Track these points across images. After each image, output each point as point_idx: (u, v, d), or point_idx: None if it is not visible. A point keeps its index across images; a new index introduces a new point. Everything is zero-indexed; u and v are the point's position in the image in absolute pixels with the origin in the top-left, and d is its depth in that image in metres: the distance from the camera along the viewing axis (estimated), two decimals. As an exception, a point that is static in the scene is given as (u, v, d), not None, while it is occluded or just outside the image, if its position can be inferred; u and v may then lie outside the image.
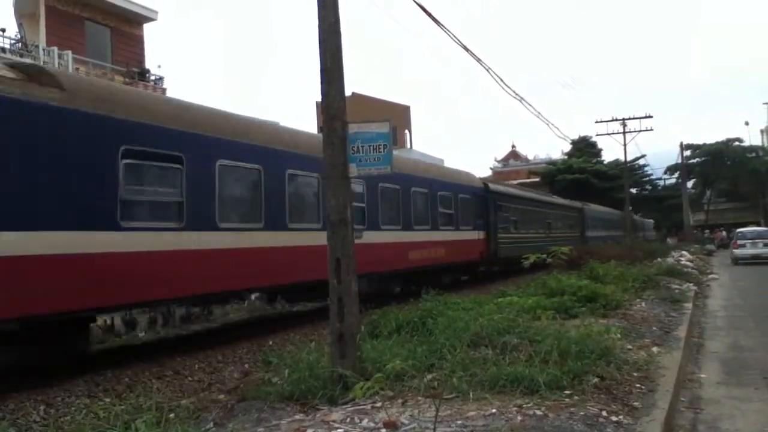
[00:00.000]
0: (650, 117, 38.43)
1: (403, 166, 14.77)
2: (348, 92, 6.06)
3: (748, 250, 27.45)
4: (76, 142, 7.44)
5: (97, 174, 7.67)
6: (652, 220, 61.31)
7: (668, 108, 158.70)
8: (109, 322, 10.96)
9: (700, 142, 57.91)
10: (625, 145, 39.24)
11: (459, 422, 3.96)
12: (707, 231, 55.21)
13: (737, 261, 27.58)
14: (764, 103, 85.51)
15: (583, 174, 48.42)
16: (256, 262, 10.05)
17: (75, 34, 22.05)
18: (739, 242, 28.51)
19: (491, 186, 22.25)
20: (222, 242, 9.39)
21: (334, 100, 5.61)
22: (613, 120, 39.00)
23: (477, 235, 19.79)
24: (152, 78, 24.40)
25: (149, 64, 24.92)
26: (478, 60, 11.21)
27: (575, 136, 52.40)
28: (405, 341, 6.43)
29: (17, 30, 22.17)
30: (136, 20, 24.42)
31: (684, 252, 28.01)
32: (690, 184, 56.38)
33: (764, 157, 56.12)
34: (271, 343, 9.98)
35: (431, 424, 3.73)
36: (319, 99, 5.79)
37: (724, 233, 53.14)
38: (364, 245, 11.22)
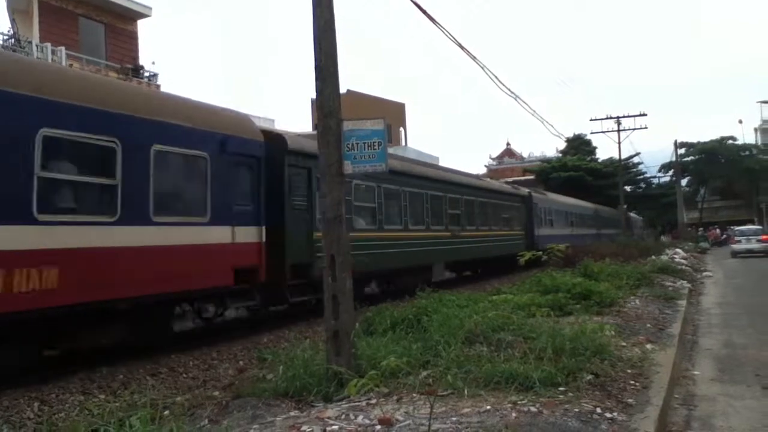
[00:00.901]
0: (644, 115, 38.73)
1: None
2: (343, 90, 6.07)
3: (744, 246, 32.19)
4: None
5: None
6: (640, 217, 60.80)
7: (663, 106, 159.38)
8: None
9: (695, 141, 58.25)
10: (619, 143, 39.42)
11: (454, 419, 3.97)
12: (701, 229, 55.45)
13: (735, 254, 31.99)
14: (758, 102, 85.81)
15: (577, 172, 48.52)
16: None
17: (69, 30, 21.95)
18: (737, 239, 33.58)
19: (291, 142, 11.58)
20: None
21: (329, 98, 5.61)
22: (607, 118, 39.21)
23: (227, 234, 9.62)
24: (146, 74, 24.32)
25: (143, 60, 24.87)
26: (473, 58, 11.19)
27: (570, 134, 52.52)
28: (400, 338, 6.44)
29: (10, 26, 22.09)
30: (130, 16, 24.32)
31: (678, 249, 28.17)
32: (684, 182, 56.60)
33: (758, 155, 56.44)
34: (266, 340, 9.99)
35: (426, 420, 3.74)
36: (314, 96, 5.79)
37: (718, 231, 53.50)
38: None
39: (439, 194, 17.82)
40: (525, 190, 27.78)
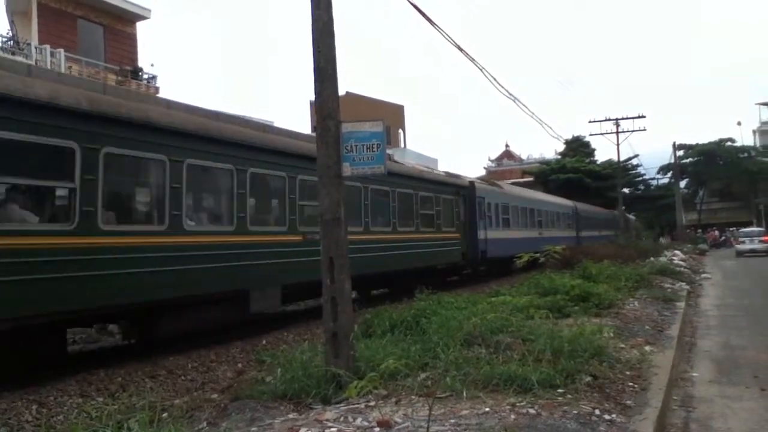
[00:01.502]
0: (643, 117, 38.69)
1: None
2: (342, 92, 6.07)
3: (747, 246, 35.18)
4: None
5: None
6: (633, 217, 59.91)
7: (662, 107, 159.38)
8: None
9: (693, 142, 58.34)
10: (618, 144, 39.42)
11: (452, 421, 3.97)
12: (700, 230, 55.49)
13: (740, 254, 34.69)
14: (757, 104, 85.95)
15: (576, 174, 48.50)
16: None
17: (67, 32, 21.96)
18: (741, 239, 36.87)
19: None
20: None
21: (327, 100, 5.61)
22: (606, 120, 39.19)
23: None
24: (145, 76, 24.34)
25: (142, 62, 24.89)
26: (472, 60, 11.22)
27: (569, 136, 52.52)
28: (399, 340, 6.45)
29: (9, 28, 22.10)
30: (129, 18, 24.35)
31: (677, 251, 28.21)
32: (683, 183, 56.65)
33: (756, 157, 56.53)
34: (264, 342, 9.98)
35: (425, 422, 3.73)
36: (313, 98, 5.79)
37: (716, 233, 53.60)
38: None
39: (276, 175, 11.09)
40: (465, 179, 21.28)
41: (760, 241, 35.41)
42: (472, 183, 21.19)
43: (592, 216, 38.53)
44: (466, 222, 19.87)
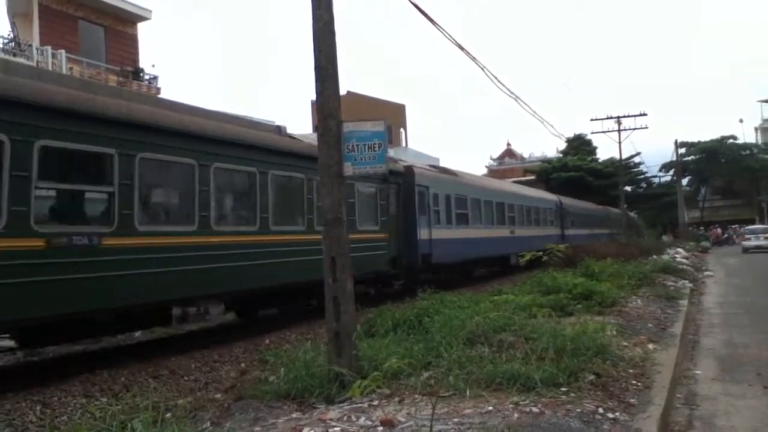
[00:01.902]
0: (645, 115, 38.60)
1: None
2: (343, 91, 6.07)
3: (753, 242, 36.97)
4: None
5: None
6: (635, 215, 59.31)
7: (663, 106, 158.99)
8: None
9: (695, 140, 58.27)
10: (620, 142, 39.34)
11: (455, 420, 3.97)
12: (702, 228, 55.42)
13: (746, 250, 36.23)
14: (758, 101, 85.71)
15: (578, 172, 48.46)
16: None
17: (69, 34, 22.01)
18: (746, 236, 38.54)
19: None
20: None
21: (329, 99, 5.61)
22: (608, 118, 39.11)
23: None
24: (146, 77, 24.38)
25: (143, 63, 24.94)
26: (473, 59, 11.20)
27: (570, 134, 52.46)
28: (401, 339, 6.44)
29: (10, 29, 22.15)
30: (130, 19, 24.40)
31: (679, 249, 28.18)
32: (685, 181, 56.54)
33: (758, 154, 56.49)
34: (267, 342, 9.99)
35: (428, 421, 3.73)
36: (315, 98, 5.79)
37: (719, 230, 53.55)
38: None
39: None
40: (400, 164, 16.46)
41: (765, 238, 36.84)
42: (409, 168, 16.35)
43: (581, 212, 34.49)
44: (399, 218, 15.27)
